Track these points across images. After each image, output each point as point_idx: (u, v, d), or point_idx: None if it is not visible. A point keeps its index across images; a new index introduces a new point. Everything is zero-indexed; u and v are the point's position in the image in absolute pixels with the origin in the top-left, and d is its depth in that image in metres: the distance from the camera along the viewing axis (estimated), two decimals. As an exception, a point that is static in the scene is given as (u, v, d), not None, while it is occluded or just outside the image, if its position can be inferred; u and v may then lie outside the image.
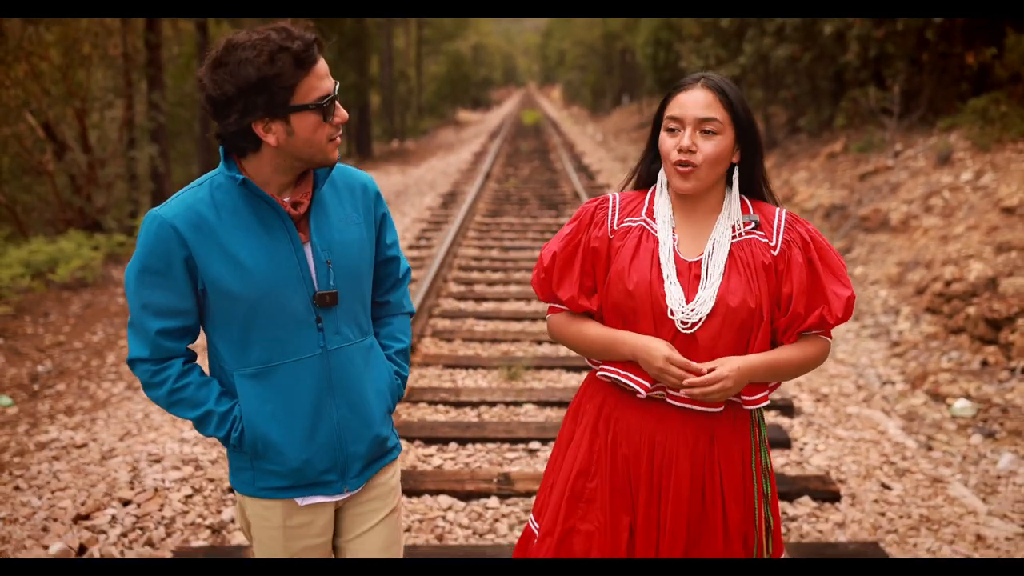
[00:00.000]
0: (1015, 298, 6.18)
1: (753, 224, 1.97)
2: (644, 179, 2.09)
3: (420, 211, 12.73)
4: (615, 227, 2.02)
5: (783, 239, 1.96)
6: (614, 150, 23.72)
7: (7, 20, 10.55)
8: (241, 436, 1.93)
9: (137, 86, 12.82)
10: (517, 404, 5.04)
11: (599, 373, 2.02)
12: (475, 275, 8.44)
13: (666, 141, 1.95)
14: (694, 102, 1.91)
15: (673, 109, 1.94)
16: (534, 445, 4.50)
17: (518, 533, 3.70)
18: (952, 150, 9.60)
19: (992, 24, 10.61)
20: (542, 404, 5.04)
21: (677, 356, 1.89)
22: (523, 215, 12.14)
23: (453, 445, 4.51)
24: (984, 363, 5.95)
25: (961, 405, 5.32)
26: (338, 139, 1.88)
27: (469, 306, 7.33)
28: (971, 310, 6.42)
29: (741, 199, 2.01)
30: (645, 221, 2.01)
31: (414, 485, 3.97)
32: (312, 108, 1.80)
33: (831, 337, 1.99)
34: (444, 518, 3.80)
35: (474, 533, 3.69)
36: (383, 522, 2.11)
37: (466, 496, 3.95)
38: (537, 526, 2.10)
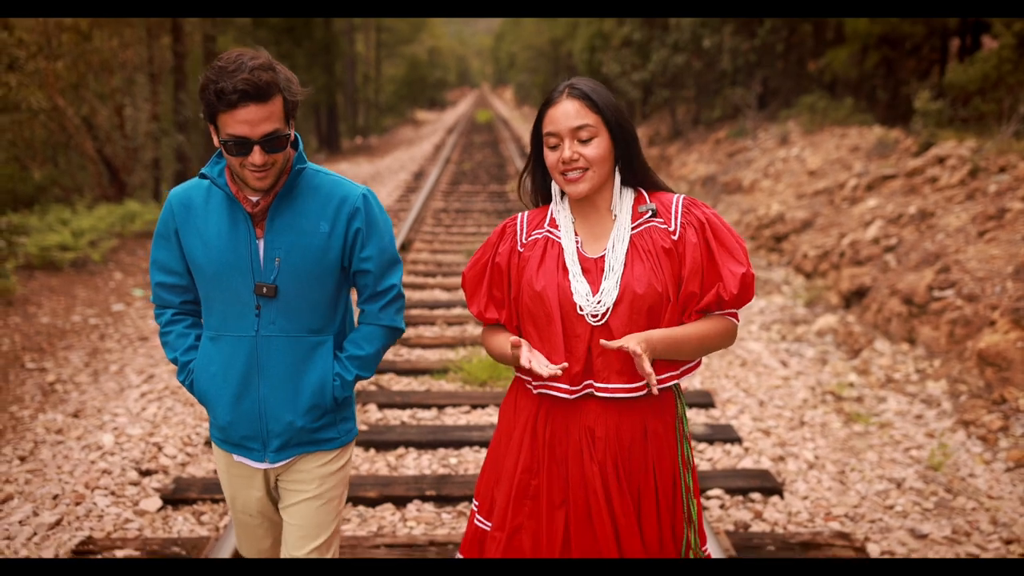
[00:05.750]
0: (790, 223, 9.67)
1: (650, 213, 2.01)
2: (543, 196, 2.15)
3: (397, 184, 16.12)
4: (524, 240, 2.09)
5: (680, 223, 1.99)
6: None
7: (65, 34, 13.45)
8: (191, 386, 2.26)
9: (166, 86, 15.84)
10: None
11: (535, 391, 2.06)
12: (443, 216, 11.93)
13: (549, 156, 2.00)
14: (564, 114, 1.96)
15: (548, 126, 1.99)
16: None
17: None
18: (789, 133, 13.12)
19: (828, 40, 14.19)
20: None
21: (535, 351, 1.98)
22: (476, 184, 15.67)
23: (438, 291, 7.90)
24: (768, 263, 9.41)
25: (743, 281, 8.76)
26: (257, 174, 2.01)
27: (441, 231, 10.76)
28: (767, 232, 9.90)
29: (638, 191, 2.06)
30: (548, 231, 2.07)
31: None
32: (220, 138, 2.00)
33: (737, 319, 2.03)
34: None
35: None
36: (303, 503, 2.27)
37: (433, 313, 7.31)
38: (487, 523, 2.15)
